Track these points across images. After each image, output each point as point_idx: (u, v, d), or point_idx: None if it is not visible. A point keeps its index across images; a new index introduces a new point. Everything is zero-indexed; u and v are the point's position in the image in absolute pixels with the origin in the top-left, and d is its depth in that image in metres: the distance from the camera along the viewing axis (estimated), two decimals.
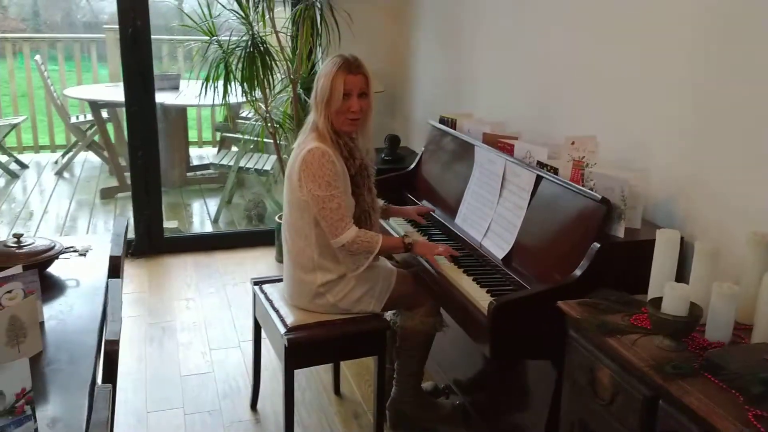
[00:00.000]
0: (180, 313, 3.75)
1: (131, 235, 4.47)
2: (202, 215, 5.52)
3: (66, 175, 6.55)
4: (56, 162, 6.78)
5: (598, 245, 2.00)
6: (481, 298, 2.15)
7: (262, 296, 2.67)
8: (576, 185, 2.16)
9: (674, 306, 1.54)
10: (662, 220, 2.21)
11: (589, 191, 2.10)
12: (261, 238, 4.64)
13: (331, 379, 3.03)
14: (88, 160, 6.86)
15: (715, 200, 2.03)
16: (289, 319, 2.45)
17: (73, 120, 6.45)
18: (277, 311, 2.53)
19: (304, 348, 2.40)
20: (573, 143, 2.22)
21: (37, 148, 7.18)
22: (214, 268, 4.34)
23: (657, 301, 1.59)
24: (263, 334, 2.73)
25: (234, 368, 3.21)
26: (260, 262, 4.42)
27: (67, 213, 5.49)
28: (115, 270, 1.65)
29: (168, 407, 2.91)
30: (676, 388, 1.42)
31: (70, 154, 6.64)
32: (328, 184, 2.31)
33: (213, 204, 5.61)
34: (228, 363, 3.25)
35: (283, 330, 2.40)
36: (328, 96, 2.36)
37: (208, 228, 5.25)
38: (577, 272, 2.00)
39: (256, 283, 2.77)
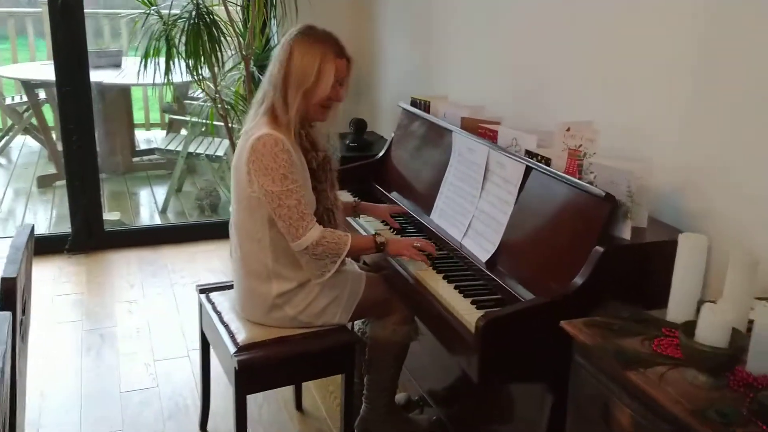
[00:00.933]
0: (122, 317, 3.37)
1: (68, 229, 4.05)
2: (149, 205, 5.10)
3: (2, 160, 6.04)
4: None
5: (602, 249, 1.70)
6: (465, 311, 1.84)
7: (209, 306, 2.32)
8: (573, 178, 1.85)
9: (713, 334, 1.25)
10: (669, 217, 1.93)
11: (589, 185, 1.80)
12: (214, 230, 4.26)
13: (292, 393, 2.70)
14: (26, 144, 6.35)
15: (733, 193, 1.75)
16: (241, 336, 2.11)
17: (8, 101, 5.93)
18: (226, 326, 2.18)
19: (259, 370, 2.06)
20: (568, 129, 1.91)
21: None
22: (160, 264, 3.95)
23: (690, 327, 1.30)
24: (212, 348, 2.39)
25: (181, 382, 2.86)
26: (213, 257, 4.04)
27: (0, 202, 5.02)
28: (7, 297, 1.26)
29: (105, 429, 2.55)
30: None
31: (6, 138, 6.13)
32: (284, 177, 1.96)
33: (161, 192, 5.19)
34: (175, 376, 2.90)
35: (233, 349, 2.06)
36: (312, 84, 1.99)
37: (156, 220, 4.83)
38: (578, 281, 1.70)
39: (202, 291, 2.41)
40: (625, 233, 1.75)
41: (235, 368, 2.02)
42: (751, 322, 1.36)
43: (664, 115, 1.94)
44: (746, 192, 1.71)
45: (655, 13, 1.95)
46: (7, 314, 1.24)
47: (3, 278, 1.28)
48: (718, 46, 1.77)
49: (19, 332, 1.46)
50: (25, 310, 1.59)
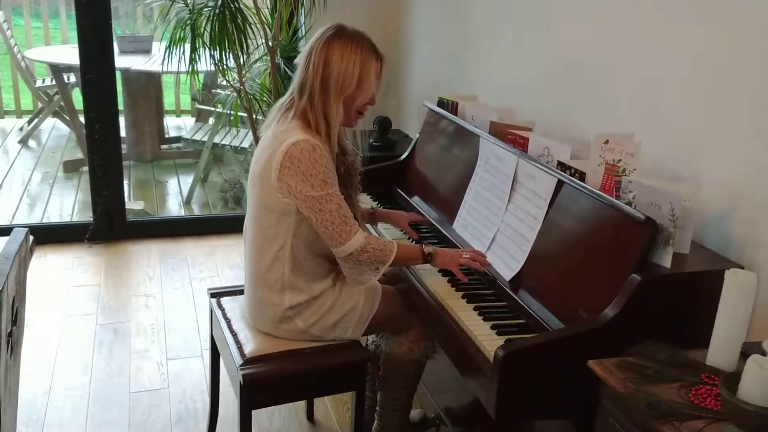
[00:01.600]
0: (137, 312, 3.30)
1: (89, 217, 4.00)
2: (175, 195, 5.03)
3: (31, 143, 6.04)
4: (21, 129, 6.26)
5: (639, 278, 1.55)
6: (485, 336, 1.70)
7: (218, 313, 2.21)
8: (609, 197, 1.69)
9: (758, 391, 1.10)
10: (714, 243, 1.76)
11: (627, 207, 1.64)
12: (236, 224, 4.09)
13: (303, 402, 2.59)
14: (56, 127, 6.34)
15: None
16: (248, 347, 2.00)
17: (39, 84, 5.91)
18: (234, 335, 2.08)
19: (265, 385, 1.95)
20: (606, 142, 1.75)
21: (2, 113, 6.64)
22: (181, 257, 3.88)
23: (733, 380, 1.15)
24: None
25: (193, 384, 2.77)
26: (233, 251, 3.95)
27: (25, 188, 4.99)
28: None
29: None
30: None
31: (36, 121, 6.12)
32: (324, 182, 1.85)
33: (187, 182, 5.11)
34: (186, 377, 2.81)
35: (239, 361, 1.96)
36: (354, 89, 1.89)
37: (180, 210, 4.76)
38: (610, 312, 1.55)
39: (213, 295, 2.31)
40: (666, 261, 1.59)
41: (240, 382, 1.92)
42: None
43: (718, 133, 1.77)
44: None
45: (715, 10, 1.77)
46: None
47: None
48: None
49: (6, 348, 1.36)
50: (17, 321, 1.49)
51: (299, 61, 1.97)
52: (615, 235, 1.66)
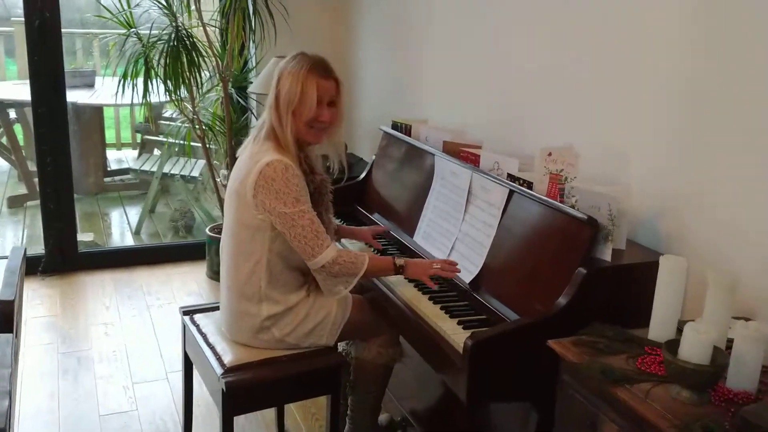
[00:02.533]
0: (98, 340, 3.33)
1: (41, 250, 4.01)
2: (121, 226, 5.06)
3: None
4: None
5: (585, 270, 1.77)
6: (453, 331, 1.88)
7: (193, 328, 2.32)
8: (555, 202, 1.92)
9: (696, 352, 1.31)
10: (646, 239, 2.00)
11: (571, 209, 1.87)
12: (189, 251, 4.25)
13: (274, 414, 2.70)
14: None
15: (707, 218, 1.84)
16: (227, 357, 2.12)
17: None
18: (212, 348, 2.19)
19: (246, 391, 2.07)
20: (550, 154, 1.98)
21: None
22: (136, 286, 3.92)
23: (673, 345, 1.36)
24: (195, 370, 2.38)
25: (161, 405, 2.84)
26: (189, 279, 4.02)
27: None
28: (7, 320, 1.27)
29: None
30: None
31: None
32: (296, 200, 2.00)
33: (134, 213, 5.15)
34: (154, 399, 2.88)
35: (220, 371, 2.07)
36: (297, 103, 2.05)
37: (129, 241, 4.79)
38: (562, 301, 1.76)
39: (186, 313, 2.41)
40: (606, 255, 1.81)
41: (222, 390, 2.03)
42: (729, 341, 1.43)
43: (643, 141, 2.03)
44: (720, 216, 1.80)
45: (635, 40, 2.04)
46: (9, 336, 1.24)
47: (2, 301, 1.28)
48: (699, 73, 1.85)
49: (15, 354, 1.46)
50: (18, 332, 1.59)
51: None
52: (562, 235, 1.87)
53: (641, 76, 2.02)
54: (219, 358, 2.13)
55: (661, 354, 1.42)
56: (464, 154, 2.34)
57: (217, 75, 3.67)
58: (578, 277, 1.76)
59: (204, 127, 3.75)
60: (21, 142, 5.57)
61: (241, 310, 2.13)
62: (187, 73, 3.52)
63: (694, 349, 1.31)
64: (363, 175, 2.90)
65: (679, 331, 1.55)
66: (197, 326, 2.32)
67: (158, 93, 3.63)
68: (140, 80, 3.56)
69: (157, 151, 5.37)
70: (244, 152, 2.14)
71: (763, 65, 1.67)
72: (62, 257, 3.99)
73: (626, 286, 1.82)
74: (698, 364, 1.30)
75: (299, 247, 2.04)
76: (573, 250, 1.83)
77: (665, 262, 1.53)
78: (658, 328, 1.54)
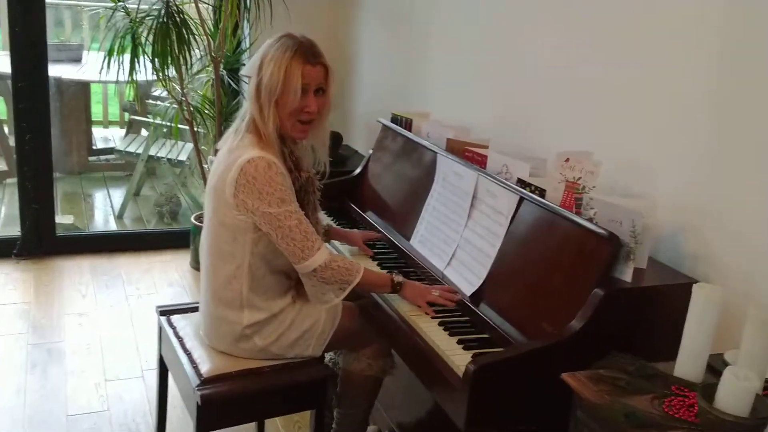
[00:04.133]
0: (71, 331, 3.15)
1: (17, 231, 3.81)
2: (104, 209, 4.86)
3: None
4: None
5: (602, 292, 1.59)
6: (452, 352, 1.71)
7: (170, 331, 2.14)
8: (571, 214, 1.74)
9: (735, 401, 1.15)
10: (667, 257, 1.83)
11: (589, 223, 1.69)
12: (173, 239, 4.06)
13: (254, 423, 2.53)
14: None
15: (734, 238, 1.67)
16: (204, 367, 1.94)
17: None
18: (188, 354, 2.01)
19: (223, 405, 1.89)
20: (567, 160, 1.80)
21: None
22: (115, 274, 3.74)
23: (709, 390, 1.20)
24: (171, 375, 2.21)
25: (134, 406, 2.66)
26: (171, 268, 3.84)
27: None
28: None
29: None
30: None
31: None
32: (281, 200, 1.81)
33: (118, 195, 4.94)
34: (127, 399, 2.70)
35: (195, 382, 1.89)
36: (280, 92, 1.83)
37: (111, 225, 4.59)
38: (576, 324, 1.59)
39: (163, 313, 2.23)
40: (626, 276, 1.64)
41: (197, 403, 1.85)
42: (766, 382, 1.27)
43: (668, 151, 1.85)
44: (749, 240, 1.63)
45: (669, 38, 1.85)
46: None
47: None
48: (732, 80, 1.68)
49: None
50: None
51: None
52: (577, 250, 1.70)
53: (669, 82, 1.85)
54: (195, 367, 1.96)
55: (691, 396, 1.26)
56: (469, 154, 2.16)
57: (208, 55, 3.48)
58: (595, 299, 1.59)
59: (192, 110, 3.55)
60: (3, 116, 5.34)
61: (221, 317, 1.95)
62: (177, 52, 3.33)
63: (733, 397, 1.15)
64: (358, 170, 2.71)
65: (710, 367, 1.39)
66: (174, 329, 2.15)
67: (145, 71, 3.43)
68: (127, 57, 3.36)
69: (144, 132, 5.16)
70: (224, 145, 1.94)
71: None
72: (39, 240, 3.81)
73: (648, 311, 1.65)
74: (737, 416, 1.14)
75: (287, 250, 1.85)
76: (589, 268, 1.65)
77: (699, 292, 1.36)
78: (687, 365, 1.37)
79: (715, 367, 1.42)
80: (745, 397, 1.15)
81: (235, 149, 1.87)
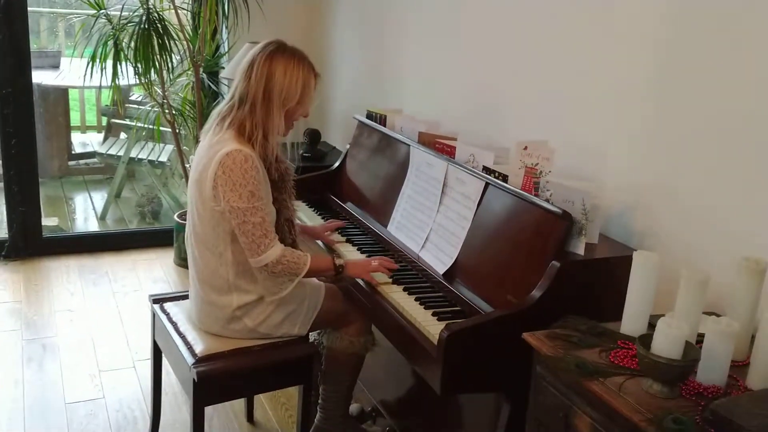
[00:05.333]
0: (63, 327, 3.28)
1: (4, 234, 3.92)
2: (86, 211, 4.97)
3: None
4: None
5: (558, 264, 1.78)
6: (427, 322, 1.89)
7: (163, 317, 2.29)
8: (530, 195, 1.93)
9: (668, 347, 1.34)
10: (618, 234, 2.03)
11: (546, 203, 1.88)
12: (156, 237, 4.19)
13: (243, 405, 2.69)
14: None
15: (680, 213, 1.87)
16: (199, 347, 2.10)
17: None
18: (183, 337, 2.17)
19: (218, 381, 2.05)
20: (525, 148, 1.99)
21: None
22: (101, 272, 3.86)
23: (646, 340, 1.39)
24: (164, 359, 2.36)
25: (129, 393, 2.80)
26: (156, 265, 3.97)
27: None
28: None
29: None
30: None
31: None
32: (251, 194, 1.97)
33: (99, 198, 5.06)
34: (121, 387, 2.84)
35: (191, 360, 2.05)
36: (296, 102, 2.04)
37: (94, 226, 4.71)
38: (536, 294, 1.78)
39: (156, 301, 2.38)
40: (579, 249, 1.83)
41: (193, 379, 2.01)
42: (700, 336, 1.46)
43: (616, 136, 2.05)
44: (690, 210, 1.83)
45: (611, 34, 2.06)
46: None
47: None
48: (669, 68, 1.88)
49: None
50: None
51: (239, 71, 2.08)
52: (536, 228, 1.89)
53: (612, 72, 2.05)
54: (190, 348, 2.11)
55: (634, 348, 1.45)
56: (440, 146, 2.34)
57: (189, 59, 3.62)
58: (552, 270, 1.78)
59: (174, 112, 3.69)
60: None
61: (210, 301, 2.11)
62: (158, 57, 3.46)
63: (666, 343, 1.34)
64: (337, 163, 2.88)
65: (651, 325, 1.58)
66: (167, 315, 2.30)
67: (127, 76, 3.56)
68: (109, 63, 3.49)
69: (123, 135, 5.27)
70: (204, 140, 2.10)
71: (727, 56, 1.70)
72: (26, 242, 3.92)
73: (599, 280, 1.84)
74: (670, 358, 1.33)
75: (245, 243, 2.01)
76: (547, 243, 1.84)
77: (638, 258, 1.56)
78: (631, 323, 1.57)
79: (656, 324, 1.61)
80: (676, 343, 1.34)
81: (215, 144, 2.03)
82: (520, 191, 1.96)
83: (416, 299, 2.01)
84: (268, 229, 2.01)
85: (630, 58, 1.99)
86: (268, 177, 2.09)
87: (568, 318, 1.67)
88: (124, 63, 3.49)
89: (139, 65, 3.44)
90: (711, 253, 1.78)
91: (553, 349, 1.51)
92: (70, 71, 5.07)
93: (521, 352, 1.62)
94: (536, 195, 1.94)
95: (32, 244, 3.93)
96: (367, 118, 2.80)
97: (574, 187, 1.85)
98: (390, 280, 2.13)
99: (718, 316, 1.44)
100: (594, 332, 1.58)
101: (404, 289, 2.07)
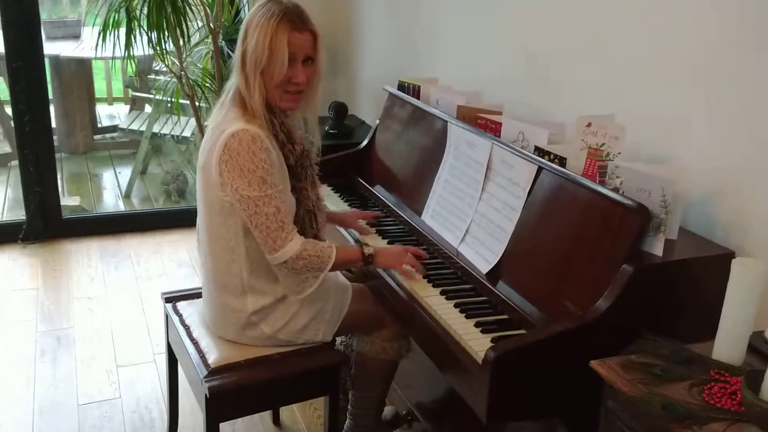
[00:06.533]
0: (80, 317, 3.09)
1: (21, 215, 3.74)
2: (112, 188, 4.78)
3: None
4: None
5: (632, 267, 1.47)
6: (469, 336, 1.60)
7: (176, 319, 2.05)
8: (595, 184, 1.61)
9: None
10: (699, 226, 1.71)
11: (615, 193, 1.56)
12: (181, 218, 3.96)
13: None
14: None
15: None
16: (212, 356, 1.86)
17: None
18: (195, 343, 1.93)
19: (233, 396, 1.82)
20: (589, 125, 1.67)
21: None
22: (124, 255, 3.66)
23: (754, 378, 1.08)
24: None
25: (147, 392, 2.60)
26: (181, 248, 3.76)
27: None
28: None
29: None
30: None
31: None
32: (262, 180, 1.70)
33: (124, 174, 4.86)
34: (139, 385, 2.64)
35: (203, 373, 1.81)
36: (266, 62, 1.71)
37: (119, 205, 4.51)
38: (603, 304, 1.48)
39: (168, 300, 2.15)
40: (657, 249, 1.52)
41: (205, 395, 1.77)
42: None
43: (694, 110, 1.71)
44: None
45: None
46: None
47: None
48: (760, 23, 1.53)
49: None
50: None
51: None
52: (602, 223, 1.58)
53: (692, 29, 1.70)
54: (203, 357, 1.88)
55: (732, 380, 1.15)
56: (482, 122, 2.02)
57: (206, 26, 3.34)
58: (623, 276, 1.47)
59: (193, 84, 3.43)
60: (5, 97, 5.24)
61: (224, 304, 1.86)
62: (174, 24, 3.20)
63: None
64: (365, 142, 2.58)
65: (751, 347, 1.28)
66: (180, 316, 2.07)
67: (142, 46, 3.31)
68: (122, 31, 3.24)
69: (148, 108, 5.05)
70: (212, 121, 1.83)
71: None
72: (45, 223, 3.74)
73: (681, 287, 1.53)
74: None
75: (259, 238, 1.75)
76: (616, 242, 1.53)
77: (738, 267, 1.24)
78: (726, 347, 1.27)
79: (757, 347, 1.31)
80: None
81: (220, 124, 1.77)
82: (582, 178, 1.65)
83: (456, 305, 1.73)
84: (285, 220, 1.74)
85: (711, 10, 1.64)
86: (285, 161, 1.81)
87: (645, 338, 1.37)
88: (137, 31, 3.23)
89: (153, 33, 3.18)
90: None
91: (631, 386, 1.21)
92: (91, 41, 4.85)
93: (583, 373, 1.33)
94: (602, 183, 1.63)
95: (52, 226, 3.75)
96: (398, 89, 2.49)
97: (651, 174, 1.53)
98: (424, 280, 1.85)
99: None
100: (680, 359, 1.28)
101: (441, 293, 1.79)
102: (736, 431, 1.11)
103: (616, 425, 1.26)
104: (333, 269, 1.83)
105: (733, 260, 1.26)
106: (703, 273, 1.48)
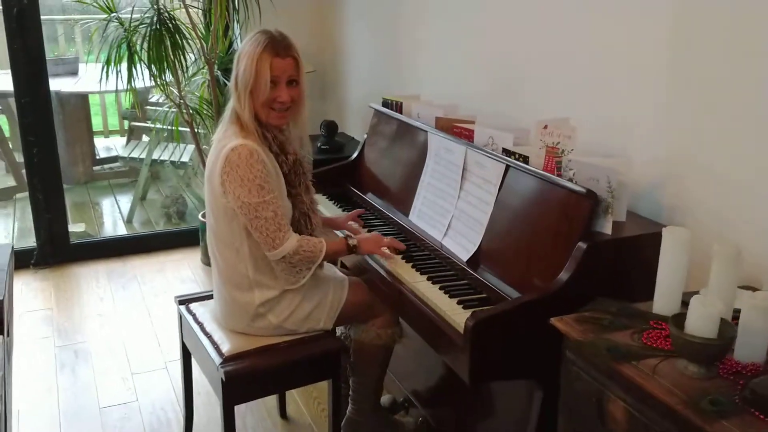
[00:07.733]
0: (94, 332, 3.30)
1: (32, 243, 3.96)
2: (113, 215, 5.00)
3: None
4: None
5: (585, 244, 1.73)
6: (452, 311, 1.85)
7: (189, 318, 2.28)
8: (553, 176, 1.88)
9: (703, 325, 1.28)
10: (646, 210, 1.97)
11: (569, 183, 1.83)
12: (183, 238, 4.20)
13: (275, 401, 2.69)
14: None
15: (710, 185, 1.80)
16: (225, 347, 2.09)
17: None
18: (209, 337, 2.16)
19: (245, 380, 2.04)
20: (545, 127, 1.93)
21: None
22: (130, 276, 3.88)
23: (680, 319, 1.33)
24: (194, 359, 2.35)
25: (161, 395, 2.81)
26: (183, 266, 3.99)
27: None
28: None
29: None
30: (719, 429, 1.16)
31: None
32: (260, 188, 1.95)
33: (125, 201, 5.09)
34: (154, 389, 2.85)
35: (218, 360, 2.04)
36: (253, 83, 1.98)
37: (121, 229, 4.74)
38: (564, 276, 1.73)
39: (181, 302, 2.38)
40: (606, 228, 1.78)
41: (222, 379, 2.00)
42: (736, 311, 1.40)
43: (639, 108, 1.98)
44: (722, 182, 1.76)
45: (627, 3, 1.99)
46: None
47: None
48: (692, 35, 1.81)
49: (8, 354, 1.42)
50: (9, 331, 1.55)
51: None
52: (560, 209, 1.84)
53: (632, 37, 1.98)
54: (217, 348, 2.10)
55: (667, 328, 1.40)
56: (458, 130, 2.29)
57: (202, 57, 3.60)
58: (579, 252, 1.73)
59: (191, 112, 3.68)
60: (7, 134, 5.48)
61: (233, 299, 2.10)
62: (172, 57, 3.45)
63: (700, 322, 1.28)
64: (355, 154, 2.84)
65: (684, 303, 1.52)
66: (193, 315, 2.29)
67: (143, 78, 3.56)
68: (124, 66, 3.49)
69: (145, 138, 5.29)
70: (215, 135, 2.09)
71: (758, 17, 1.62)
72: (54, 249, 3.95)
73: (628, 259, 1.79)
74: (705, 337, 1.27)
75: (260, 239, 2.00)
76: (572, 224, 1.79)
77: (668, 234, 1.50)
78: (663, 302, 1.51)
79: (689, 303, 1.55)
80: (711, 321, 1.28)
81: (221, 140, 2.03)
82: (542, 172, 1.91)
83: (441, 288, 1.97)
84: (281, 222, 2.00)
85: (652, 25, 1.92)
86: (280, 170, 2.07)
87: (597, 300, 1.62)
88: (138, 65, 3.48)
89: (153, 66, 3.43)
90: (744, 224, 1.71)
91: (582, 334, 1.46)
92: (89, 77, 5.10)
93: (551, 337, 1.57)
94: (559, 175, 1.89)
95: (60, 251, 3.97)
96: (383, 105, 2.75)
97: (598, 165, 1.79)
98: (413, 269, 2.09)
99: (754, 290, 1.38)
100: (625, 314, 1.53)
101: (428, 279, 2.04)
102: (668, 364, 1.35)
103: (573, 371, 1.50)
104: (324, 260, 2.08)
105: (663, 228, 1.52)
106: (645, 247, 1.73)
